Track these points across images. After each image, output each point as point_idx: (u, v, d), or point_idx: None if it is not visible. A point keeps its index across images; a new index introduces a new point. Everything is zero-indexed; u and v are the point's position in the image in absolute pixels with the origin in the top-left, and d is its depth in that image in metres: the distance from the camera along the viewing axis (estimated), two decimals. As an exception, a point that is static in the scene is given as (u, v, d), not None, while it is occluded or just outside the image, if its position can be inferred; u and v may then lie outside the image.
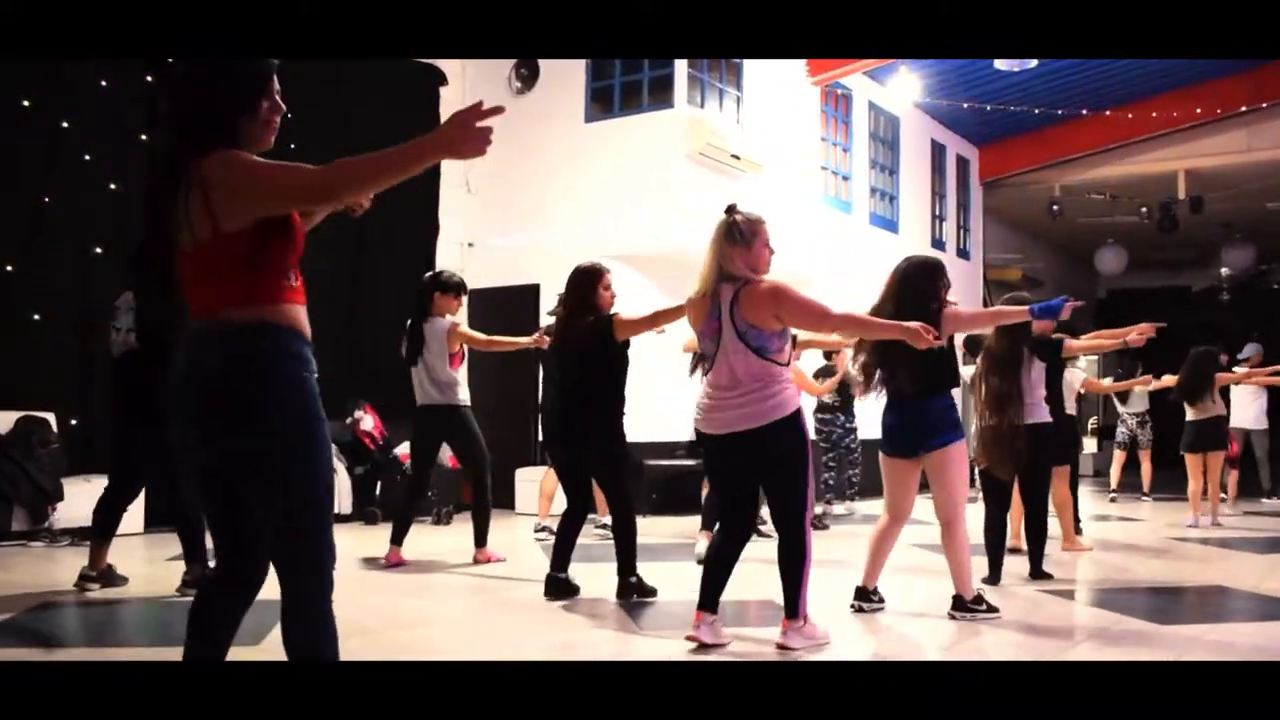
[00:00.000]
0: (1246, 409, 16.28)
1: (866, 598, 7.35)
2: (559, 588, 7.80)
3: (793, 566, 6.00)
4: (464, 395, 9.43)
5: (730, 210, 6.10)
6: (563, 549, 7.87)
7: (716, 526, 6.35)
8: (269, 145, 3.59)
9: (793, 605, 6.03)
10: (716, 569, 6.15)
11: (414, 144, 3.42)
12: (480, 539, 9.40)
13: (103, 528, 7.98)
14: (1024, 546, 9.23)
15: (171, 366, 3.54)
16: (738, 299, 5.90)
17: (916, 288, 7.09)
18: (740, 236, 5.96)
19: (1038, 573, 8.76)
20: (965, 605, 7.11)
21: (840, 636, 6.45)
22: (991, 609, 7.12)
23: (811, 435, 6.85)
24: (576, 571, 7.94)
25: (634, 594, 7.66)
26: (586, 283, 7.83)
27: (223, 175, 3.34)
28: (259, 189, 3.34)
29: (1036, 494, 8.86)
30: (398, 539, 9.22)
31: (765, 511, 7.58)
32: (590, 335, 7.62)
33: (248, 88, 3.54)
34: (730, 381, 5.94)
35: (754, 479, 6.18)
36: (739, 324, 5.89)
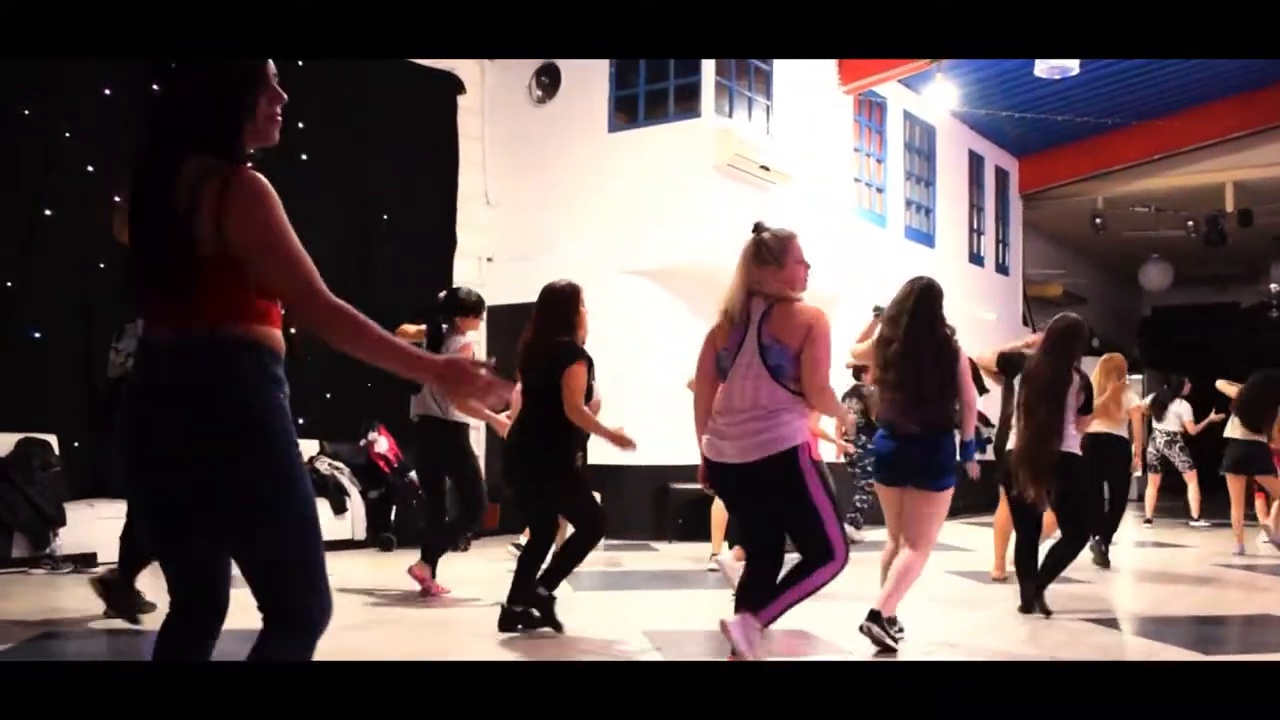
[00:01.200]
0: None
1: (881, 624, 7.05)
2: (509, 619, 7.37)
3: (793, 579, 5.80)
4: (463, 415, 9.23)
5: (757, 228, 5.97)
6: (520, 581, 7.44)
7: (745, 559, 6.21)
8: (275, 139, 3.50)
9: (764, 604, 5.77)
10: (754, 599, 5.93)
11: (416, 355, 3.45)
12: (429, 558, 9.02)
13: (138, 552, 7.76)
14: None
15: (133, 383, 3.44)
16: (769, 313, 5.77)
17: (930, 311, 7.09)
18: (770, 256, 5.82)
19: (1039, 604, 8.55)
20: (880, 621, 6.87)
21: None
22: (895, 636, 6.91)
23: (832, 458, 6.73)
24: (600, 599, 7.86)
25: (530, 610, 7.30)
26: (564, 302, 7.53)
27: (247, 217, 3.23)
28: (269, 254, 3.24)
29: (1075, 522, 8.74)
30: (430, 561, 9.01)
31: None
32: (548, 364, 7.35)
33: (246, 86, 3.46)
34: (739, 404, 5.80)
35: (765, 511, 6.02)
36: (764, 338, 5.75)
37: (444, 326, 9.13)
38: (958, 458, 7.16)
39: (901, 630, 7.06)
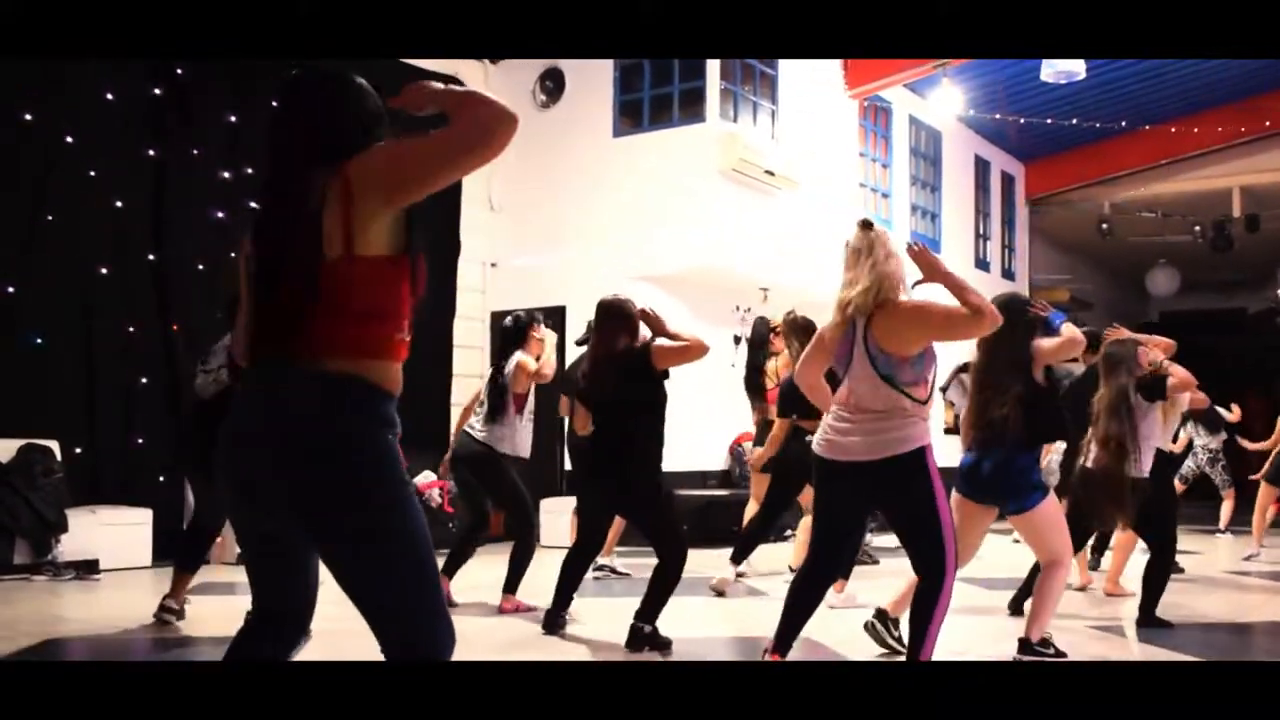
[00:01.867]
0: None
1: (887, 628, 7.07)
2: (556, 625, 7.59)
3: (922, 610, 5.64)
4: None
5: (870, 225, 5.99)
6: (565, 587, 7.65)
7: (804, 559, 6.07)
8: None
9: (914, 653, 5.67)
10: (797, 607, 5.89)
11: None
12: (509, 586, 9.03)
13: (188, 560, 7.99)
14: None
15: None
16: (873, 320, 5.66)
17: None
18: (893, 252, 5.83)
19: (1151, 619, 8.43)
20: (1031, 648, 6.86)
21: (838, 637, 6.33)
22: (1059, 652, 6.91)
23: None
24: (610, 606, 7.85)
25: (646, 645, 7.24)
26: (620, 314, 7.52)
27: (371, 161, 3.21)
28: (415, 158, 3.27)
29: (1160, 537, 8.67)
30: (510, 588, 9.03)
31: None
32: (625, 366, 7.34)
33: (376, 107, 3.47)
34: (856, 406, 5.67)
35: (863, 514, 6.02)
36: (871, 348, 5.64)
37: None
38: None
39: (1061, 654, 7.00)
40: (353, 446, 3.19)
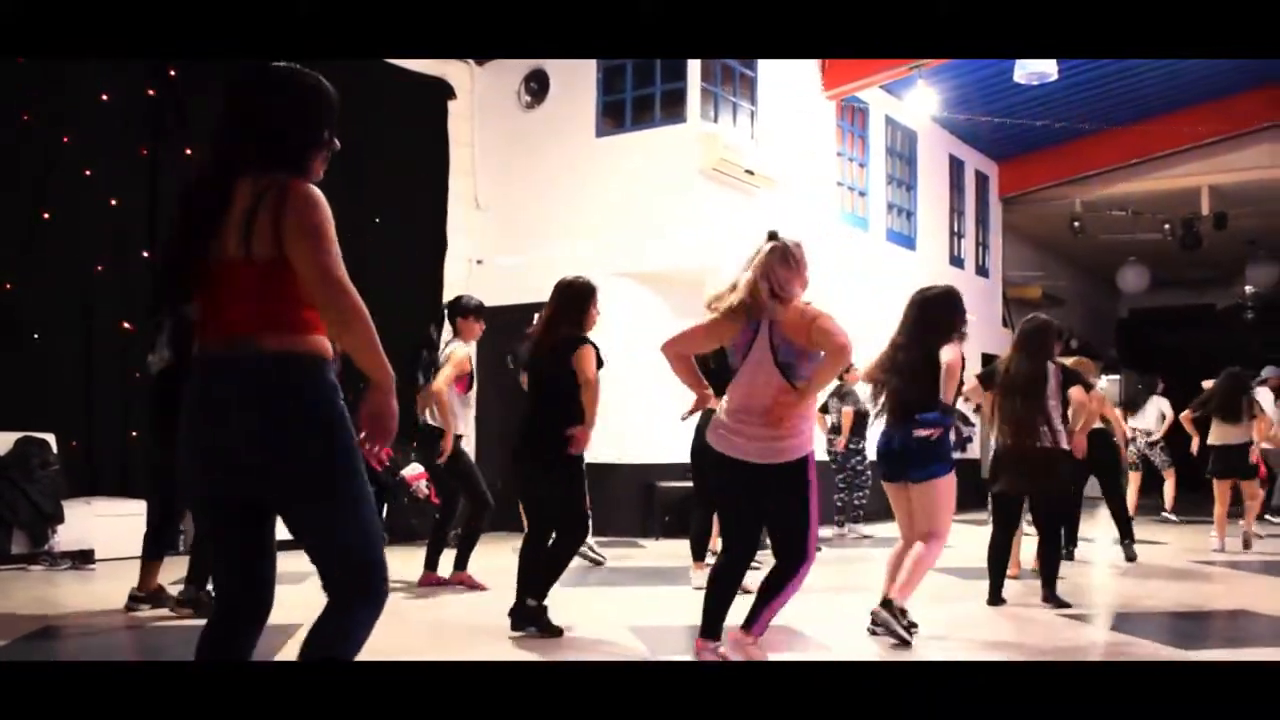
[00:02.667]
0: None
1: (892, 611, 7.14)
2: (523, 617, 7.33)
3: (776, 584, 5.95)
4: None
5: (775, 236, 6.13)
6: (527, 575, 7.42)
7: (720, 548, 6.28)
8: (320, 177, 3.68)
9: (752, 620, 5.94)
10: (719, 592, 6.07)
11: (384, 374, 3.56)
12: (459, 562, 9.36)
13: (154, 549, 8.01)
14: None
15: (203, 384, 3.52)
16: (778, 316, 5.93)
17: (937, 318, 7.39)
18: (795, 261, 6.03)
19: (1052, 596, 8.72)
20: (891, 610, 7.05)
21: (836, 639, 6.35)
22: (909, 628, 7.08)
23: (822, 456, 6.79)
24: (588, 596, 7.88)
25: (530, 622, 7.22)
26: (576, 298, 7.64)
27: (303, 220, 3.40)
28: (316, 257, 3.40)
29: (1050, 520, 8.92)
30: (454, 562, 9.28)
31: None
32: (553, 354, 7.42)
33: (321, 116, 3.68)
34: (756, 405, 5.90)
35: (761, 507, 6.07)
36: (775, 339, 5.92)
37: (434, 331, 9.21)
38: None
39: (914, 626, 7.18)
40: (334, 409, 3.52)
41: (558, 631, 7.21)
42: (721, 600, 6.06)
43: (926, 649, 6.96)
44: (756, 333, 5.96)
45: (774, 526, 6.09)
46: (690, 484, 10.68)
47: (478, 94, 15.52)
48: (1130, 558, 11.68)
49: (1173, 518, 16.85)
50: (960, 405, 11.92)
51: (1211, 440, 13.13)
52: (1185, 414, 13.75)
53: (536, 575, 7.32)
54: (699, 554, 9.43)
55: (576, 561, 10.79)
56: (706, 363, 7.16)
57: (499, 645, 6.90)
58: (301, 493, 3.48)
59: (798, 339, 5.85)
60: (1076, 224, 22.09)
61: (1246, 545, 13.07)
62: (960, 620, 7.52)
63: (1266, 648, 7.32)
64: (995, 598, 8.60)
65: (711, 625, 6.03)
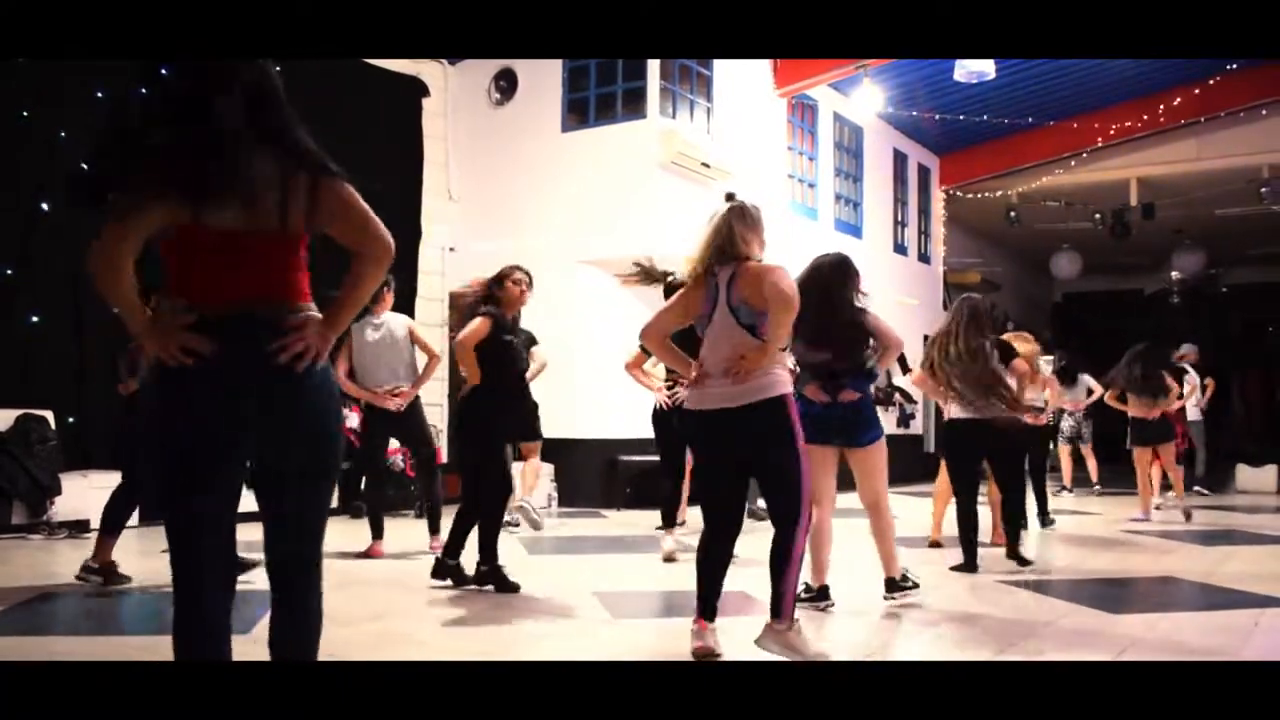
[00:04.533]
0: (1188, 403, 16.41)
1: (899, 588, 7.27)
2: (443, 571, 7.77)
3: (779, 555, 5.48)
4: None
5: (732, 196, 5.99)
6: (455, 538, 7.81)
7: (704, 524, 5.80)
8: None
9: (776, 604, 5.46)
10: (710, 569, 5.71)
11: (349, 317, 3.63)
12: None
13: (111, 523, 7.83)
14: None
15: (232, 346, 3.32)
16: (735, 277, 5.63)
17: (831, 287, 7.23)
18: (752, 219, 5.85)
19: (1014, 554, 8.92)
20: (896, 585, 7.20)
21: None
22: (914, 584, 7.26)
23: None
24: (554, 563, 7.96)
25: (494, 582, 7.56)
26: (496, 279, 7.97)
27: (344, 213, 3.56)
28: (353, 221, 3.59)
29: (1015, 474, 9.12)
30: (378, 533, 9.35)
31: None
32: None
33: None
34: (720, 362, 5.54)
35: (741, 463, 5.69)
36: (734, 301, 5.59)
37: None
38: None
39: (917, 585, 7.34)
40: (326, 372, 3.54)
41: (516, 586, 7.47)
42: (710, 579, 5.69)
43: (889, 616, 7.05)
44: (716, 300, 5.63)
45: (762, 485, 5.75)
46: (654, 458, 10.71)
47: (450, 91, 15.57)
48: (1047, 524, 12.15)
49: (1097, 489, 17.07)
50: (902, 382, 12.04)
51: (1131, 413, 13.24)
52: (1109, 395, 13.85)
53: (484, 544, 7.59)
54: (669, 521, 9.35)
55: (546, 530, 10.93)
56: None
57: (460, 606, 6.99)
58: (320, 466, 3.47)
59: (755, 300, 5.50)
60: (1013, 214, 22.20)
61: (1188, 517, 13.19)
62: (951, 592, 7.59)
63: (1190, 611, 7.48)
64: (970, 565, 8.60)
65: (705, 606, 5.65)
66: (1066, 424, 17.10)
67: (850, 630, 6.69)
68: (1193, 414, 16.76)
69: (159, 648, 5.28)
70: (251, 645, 5.52)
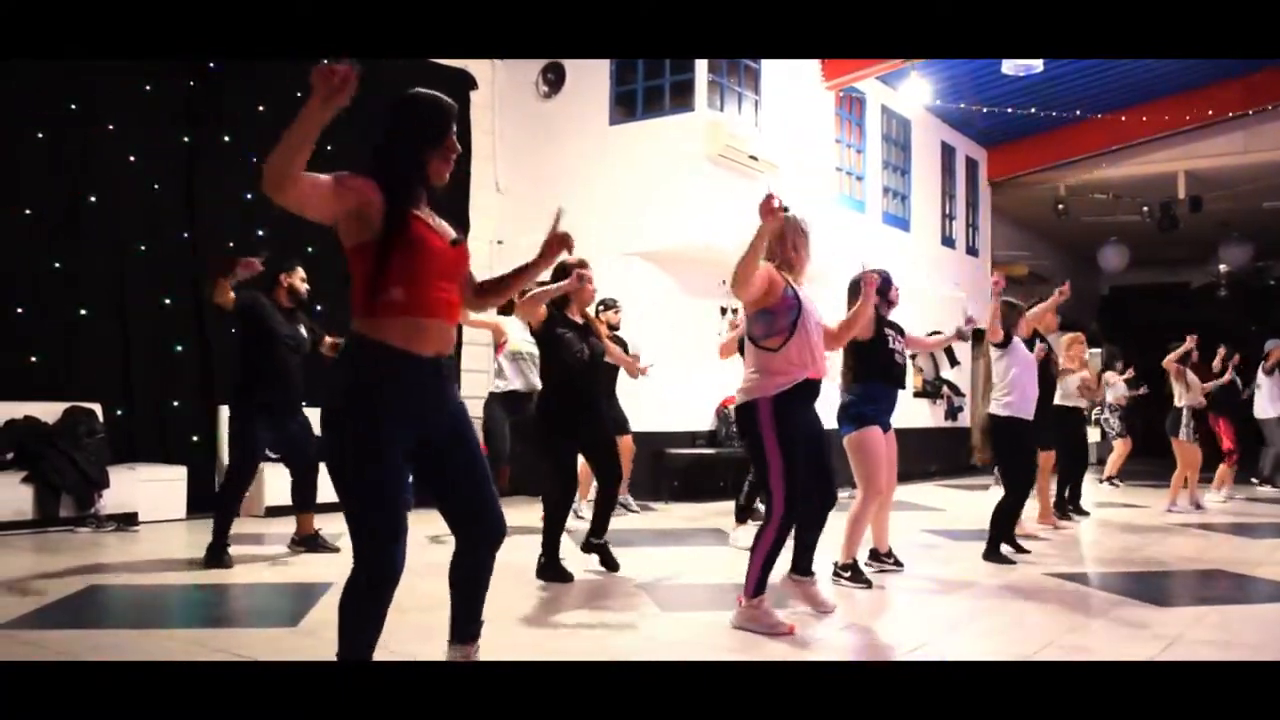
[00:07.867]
0: (1270, 400, 16.18)
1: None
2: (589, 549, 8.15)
3: (756, 539, 5.99)
4: (496, 383, 10.38)
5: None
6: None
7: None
8: (445, 180, 4.15)
9: (747, 582, 5.97)
10: (756, 553, 6.02)
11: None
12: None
13: (300, 500, 8.90)
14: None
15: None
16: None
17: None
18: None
19: (990, 555, 8.76)
20: (837, 570, 7.54)
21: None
22: (863, 580, 7.46)
23: None
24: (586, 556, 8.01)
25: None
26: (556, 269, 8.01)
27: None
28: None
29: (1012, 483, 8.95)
30: None
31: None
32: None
33: (438, 123, 4.13)
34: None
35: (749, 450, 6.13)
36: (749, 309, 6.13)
37: None
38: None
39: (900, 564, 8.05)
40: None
41: (569, 576, 7.60)
42: (803, 539, 6.46)
43: (929, 596, 6.89)
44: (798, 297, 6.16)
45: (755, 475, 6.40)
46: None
47: (498, 85, 15.43)
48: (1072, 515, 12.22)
49: (1118, 484, 16.86)
50: (950, 375, 12.04)
51: (1180, 402, 13.23)
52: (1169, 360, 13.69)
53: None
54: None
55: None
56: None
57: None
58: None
59: (751, 302, 6.07)
60: (1061, 206, 22.01)
61: (1198, 507, 13.34)
62: (956, 580, 7.45)
63: (1238, 605, 7.27)
64: (993, 554, 8.70)
65: (799, 564, 6.47)
66: (1105, 418, 16.93)
67: (894, 625, 6.63)
68: (1271, 410, 16.39)
69: (205, 640, 5.18)
70: (302, 638, 5.41)
